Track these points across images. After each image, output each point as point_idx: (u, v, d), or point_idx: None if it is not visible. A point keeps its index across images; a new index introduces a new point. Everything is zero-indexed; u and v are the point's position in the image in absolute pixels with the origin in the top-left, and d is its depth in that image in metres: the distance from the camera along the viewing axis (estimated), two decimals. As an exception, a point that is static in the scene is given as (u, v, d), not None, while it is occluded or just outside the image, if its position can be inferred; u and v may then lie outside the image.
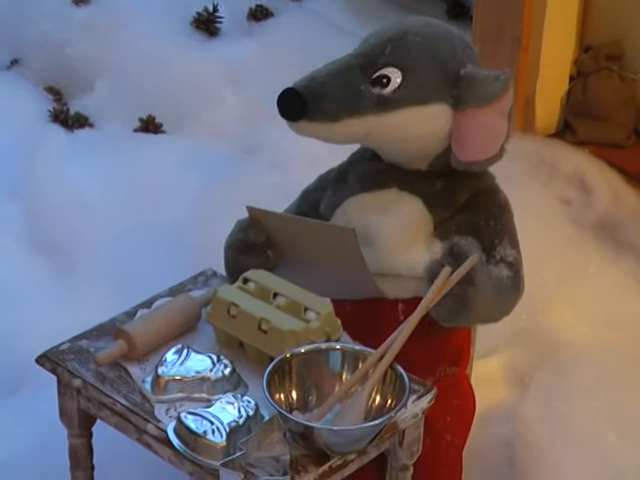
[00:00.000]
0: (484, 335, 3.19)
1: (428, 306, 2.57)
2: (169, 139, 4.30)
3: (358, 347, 2.50)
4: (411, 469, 2.62)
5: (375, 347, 2.48)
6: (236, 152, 4.03)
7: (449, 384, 2.87)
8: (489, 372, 3.38)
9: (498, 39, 3.93)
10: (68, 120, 4.38)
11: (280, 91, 2.64)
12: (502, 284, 2.75)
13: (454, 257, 2.64)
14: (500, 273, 2.75)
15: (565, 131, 4.05)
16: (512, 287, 2.80)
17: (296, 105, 2.61)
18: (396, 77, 2.67)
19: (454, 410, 2.91)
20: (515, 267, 2.80)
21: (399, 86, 2.67)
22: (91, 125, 4.43)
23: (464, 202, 2.76)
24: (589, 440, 3.18)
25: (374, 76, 2.64)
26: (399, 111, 2.68)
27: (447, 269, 2.62)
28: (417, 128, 2.71)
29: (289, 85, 2.64)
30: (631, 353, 3.46)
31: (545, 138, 4.04)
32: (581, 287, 3.64)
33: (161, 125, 4.33)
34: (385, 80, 2.67)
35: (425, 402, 2.54)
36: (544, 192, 3.80)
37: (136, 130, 4.34)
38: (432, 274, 2.59)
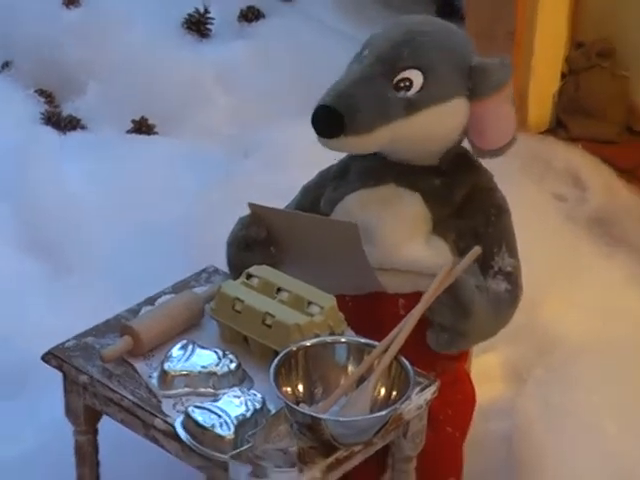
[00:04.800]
0: None
1: (429, 300, 2.59)
2: (162, 140, 4.31)
3: (363, 340, 2.53)
4: (414, 460, 2.65)
5: (375, 341, 2.49)
6: (229, 152, 4.04)
7: (450, 379, 2.88)
8: (488, 368, 3.38)
9: (491, 37, 3.96)
10: (60, 122, 4.41)
11: (315, 108, 2.64)
12: (500, 300, 2.80)
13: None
14: (498, 287, 2.80)
15: (558, 128, 4.08)
16: (510, 300, 2.84)
17: (333, 122, 2.63)
18: (418, 78, 2.71)
19: (455, 404, 2.93)
20: (513, 277, 2.84)
21: (422, 87, 2.70)
22: (83, 127, 4.46)
23: (462, 200, 2.78)
24: (588, 433, 3.20)
25: (396, 80, 2.67)
26: (425, 111, 2.71)
27: (448, 265, 2.63)
28: (440, 125, 2.76)
29: (320, 102, 2.66)
30: (627, 346, 3.47)
31: (538, 135, 4.06)
32: (576, 282, 3.65)
33: (154, 126, 4.35)
34: (408, 83, 2.70)
35: (429, 394, 2.57)
36: (538, 189, 3.82)
37: (129, 131, 4.36)
38: None
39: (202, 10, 4.67)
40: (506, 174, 3.73)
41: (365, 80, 2.66)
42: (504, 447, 3.20)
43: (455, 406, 2.95)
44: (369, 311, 2.74)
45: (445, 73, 2.73)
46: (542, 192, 3.83)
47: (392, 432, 2.53)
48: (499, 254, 2.82)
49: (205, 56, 4.58)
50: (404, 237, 2.76)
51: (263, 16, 4.74)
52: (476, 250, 2.66)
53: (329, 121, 2.62)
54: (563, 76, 4.10)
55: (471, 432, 3.03)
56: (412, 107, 2.70)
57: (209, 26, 4.71)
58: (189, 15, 4.69)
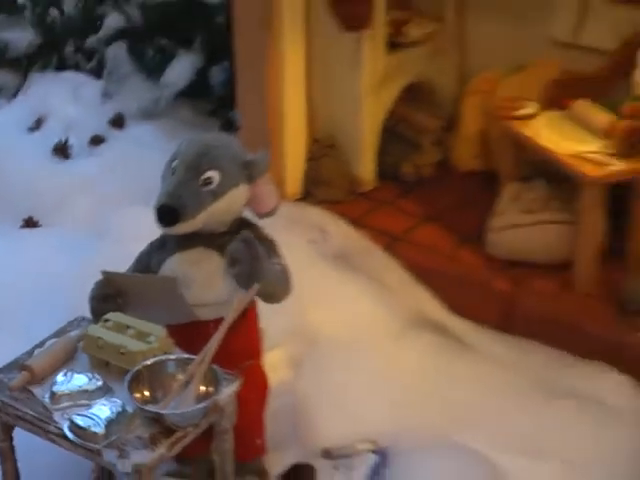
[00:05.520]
0: (269, 336, 3.09)
1: (230, 322, 2.54)
2: (45, 231, 4.14)
3: (186, 355, 2.49)
4: (231, 432, 2.58)
5: (195, 355, 2.47)
6: (91, 235, 3.92)
7: (250, 371, 2.83)
8: (275, 361, 3.29)
9: (256, 138, 3.90)
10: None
11: (155, 206, 2.62)
12: (277, 272, 2.74)
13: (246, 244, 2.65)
14: (275, 267, 2.73)
15: (307, 196, 3.99)
16: (284, 277, 2.78)
17: (171, 215, 2.60)
18: (216, 176, 2.65)
19: (256, 389, 2.88)
20: (283, 266, 2.79)
21: (219, 181, 2.65)
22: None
23: None
24: (343, 401, 3.16)
25: (201, 180, 2.62)
26: (224, 197, 2.66)
27: (240, 297, 2.60)
28: (235, 203, 2.71)
29: (159, 203, 2.64)
30: (366, 340, 3.41)
31: (294, 201, 3.97)
32: (329, 298, 3.52)
33: (38, 221, 4.16)
34: (210, 180, 2.64)
35: (234, 386, 2.52)
36: (298, 238, 3.69)
37: (21, 227, 4.17)
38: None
39: (63, 140, 4.50)
40: (276, 229, 3.69)
41: (183, 183, 2.61)
42: (291, 416, 3.12)
43: (256, 390, 2.88)
44: (191, 334, 2.65)
45: (232, 169, 2.67)
46: (300, 240, 3.70)
47: (212, 415, 2.47)
48: (271, 253, 2.77)
49: (69, 171, 4.42)
50: (210, 282, 2.68)
51: (105, 140, 4.57)
52: (255, 286, 2.63)
53: (168, 215, 2.59)
54: (307, 160, 4.01)
55: (268, 407, 2.96)
56: (216, 195, 2.64)
57: (69, 150, 4.53)
58: (55, 144, 4.52)
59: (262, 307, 2.89)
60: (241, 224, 2.73)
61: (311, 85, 3.93)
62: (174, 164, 2.67)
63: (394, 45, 3.94)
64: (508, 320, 3.40)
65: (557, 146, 3.37)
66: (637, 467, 2.97)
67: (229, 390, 2.48)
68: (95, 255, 3.54)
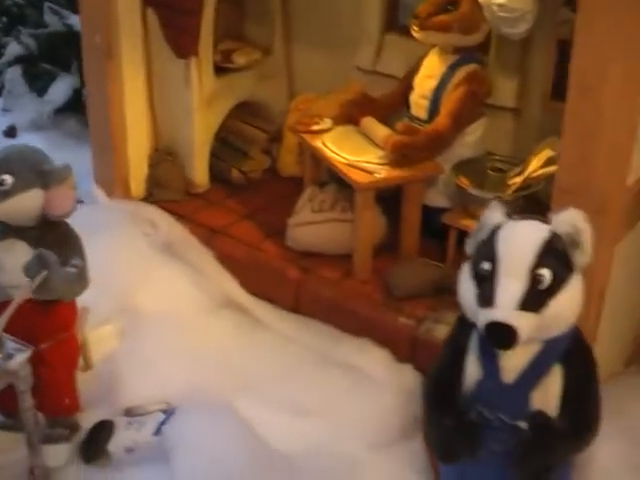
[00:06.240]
0: (97, 313, 3.25)
1: (19, 303, 2.69)
2: None
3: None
4: (29, 391, 2.72)
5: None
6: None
7: (62, 342, 2.99)
8: (104, 333, 3.39)
9: (104, 149, 4.05)
10: None
11: None
12: (71, 277, 2.85)
13: (39, 259, 2.73)
14: (70, 271, 2.84)
15: (149, 196, 4.13)
16: (80, 279, 2.88)
17: None
18: (9, 179, 2.77)
19: (67, 354, 3.03)
20: (80, 268, 2.87)
21: (12, 184, 2.76)
22: None
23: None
24: (152, 369, 3.26)
25: None
26: (14, 197, 2.77)
27: (25, 287, 2.72)
28: (26, 205, 2.80)
29: None
30: (178, 319, 3.52)
31: (138, 201, 4.12)
32: (154, 281, 3.66)
33: None
34: (3, 182, 2.76)
35: (25, 355, 2.66)
36: (136, 231, 3.84)
37: None
38: None
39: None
40: (120, 224, 3.84)
41: None
42: (107, 380, 3.24)
43: (67, 355, 3.04)
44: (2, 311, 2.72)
45: (26, 175, 2.77)
46: (138, 232, 3.85)
47: (6, 378, 2.64)
48: (72, 257, 2.86)
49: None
50: (19, 268, 2.78)
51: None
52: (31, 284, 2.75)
53: None
54: (150, 166, 4.16)
55: (92, 372, 3.17)
56: (7, 195, 2.77)
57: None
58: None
59: (97, 289, 2.99)
60: (46, 221, 2.86)
61: (153, 101, 4.05)
62: None
63: (224, 69, 4.09)
64: (298, 302, 3.58)
65: (338, 156, 3.55)
66: (384, 426, 3.12)
67: (21, 358, 2.65)
68: None
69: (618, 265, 3.01)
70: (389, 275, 3.56)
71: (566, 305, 2.25)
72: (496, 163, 3.71)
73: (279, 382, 3.29)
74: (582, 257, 2.29)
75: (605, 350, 3.06)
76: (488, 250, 2.29)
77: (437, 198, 3.76)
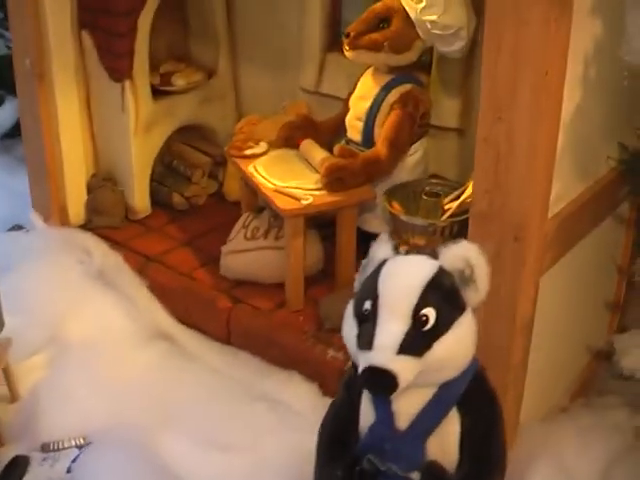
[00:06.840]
0: (26, 342, 3.25)
1: None
2: None
3: None
4: None
5: None
6: None
7: None
8: (34, 364, 3.34)
9: (39, 175, 3.95)
10: None
11: None
12: None
13: None
14: None
15: (88, 222, 4.06)
16: None
17: None
18: None
19: None
20: None
21: None
22: None
23: None
24: (74, 401, 3.17)
25: None
26: None
27: None
28: None
29: None
30: (106, 350, 3.43)
31: (76, 228, 4.02)
32: (85, 311, 3.58)
33: None
34: None
35: None
36: (69, 258, 3.79)
37: None
38: None
39: None
40: (54, 252, 3.75)
41: None
42: (30, 413, 3.13)
43: None
44: None
45: None
46: (72, 260, 3.77)
47: None
48: None
49: None
50: None
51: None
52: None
53: None
54: (88, 192, 4.07)
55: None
56: None
57: None
58: None
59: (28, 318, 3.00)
60: None
61: (92, 126, 3.94)
62: None
63: (164, 92, 3.97)
64: (228, 333, 3.46)
65: (267, 182, 3.42)
66: (307, 462, 3.00)
67: None
68: None
69: (549, 295, 2.85)
70: (321, 305, 3.43)
71: (453, 347, 2.07)
72: (436, 187, 3.56)
73: (202, 416, 3.16)
74: (475, 294, 2.13)
75: (545, 383, 2.92)
76: (370, 288, 2.14)
77: (375, 223, 3.61)
